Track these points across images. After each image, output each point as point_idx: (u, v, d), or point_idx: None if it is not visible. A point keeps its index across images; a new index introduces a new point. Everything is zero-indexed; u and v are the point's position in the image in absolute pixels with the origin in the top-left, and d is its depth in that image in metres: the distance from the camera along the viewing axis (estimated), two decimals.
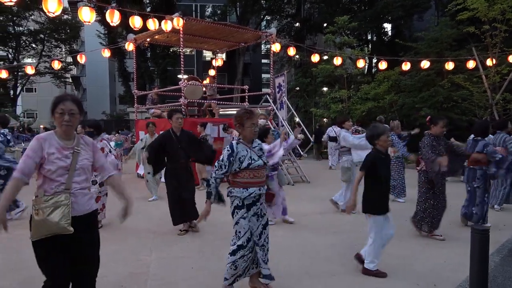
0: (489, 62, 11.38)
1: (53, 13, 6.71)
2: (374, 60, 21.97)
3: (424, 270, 3.85)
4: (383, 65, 12.49)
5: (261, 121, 8.60)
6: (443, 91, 13.79)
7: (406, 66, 12.50)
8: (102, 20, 19.46)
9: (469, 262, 2.77)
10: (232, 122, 3.49)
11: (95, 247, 2.56)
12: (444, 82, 13.68)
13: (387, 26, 24.01)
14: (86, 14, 7.27)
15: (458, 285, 3.53)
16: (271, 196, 3.59)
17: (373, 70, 21.77)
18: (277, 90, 12.96)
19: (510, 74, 11.14)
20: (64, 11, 25.24)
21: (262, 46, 30.67)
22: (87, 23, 7.46)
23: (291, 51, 11.77)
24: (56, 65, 13.94)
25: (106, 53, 12.47)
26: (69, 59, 29.89)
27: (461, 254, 4.15)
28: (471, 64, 11.67)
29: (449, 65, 11.92)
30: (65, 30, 28.70)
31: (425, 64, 12.19)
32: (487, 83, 11.48)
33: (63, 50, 31.03)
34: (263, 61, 33.75)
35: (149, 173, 7.29)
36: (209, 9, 29.18)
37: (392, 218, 3.81)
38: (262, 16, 27.39)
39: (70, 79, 37.16)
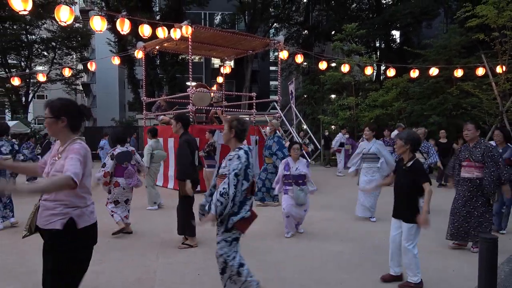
0: (498, 69, 11.26)
1: (65, 22, 6.85)
2: (383, 67, 21.91)
3: (432, 280, 3.81)
4: (391, 72, 12.45)
5: (268, 129, 8.60)
6: (452, 98, 13.68)
7: (414, 73, 12.44)
8: (112, 28, 19.75)
9: (477, 271, 2.74)
10: None
11: (47, 268, 2.31)
12: (453, 90, 13.57)
13: (396, 33, 24.00)
14: (98, 23, 7.40)
15: None
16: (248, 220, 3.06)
17: (381, 77, 21.72)
18: (290, 97, 13.03)
19: None
20: (76, 19, 25.70)
21: (270, 53, 30.82)
22: (98, 31, 7.59)
23: (299, 59, 11.79)
24: (67, 72, 14.15)
25: (116, 61, 12.64)
26: (80, 67, 30.34)
27: (470, 263, 4.09)
28: (480, 71, 11.56)
29: (458, 72, 11.83)
30: (76, 38, 29.17)
31: (433, 71, 12.11)
32: (497, 90, 11.36)
33: (74, 57, 31.53)
34: (271, 68, 33.88)
35: (146, 186, 7.35)
36: (218, 17, 29.46)
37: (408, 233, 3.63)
38: (270, 24, 27.53)
39: (81, 86, 37.69)
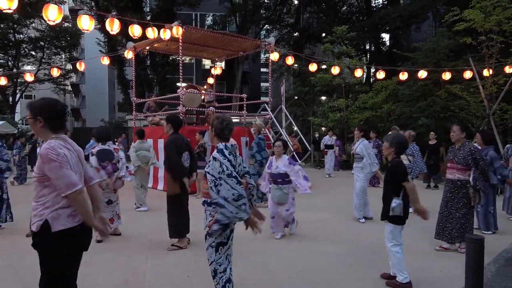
0: (485, 73, 11.44)
1: (54, 21, 6.76)
2: (372, 70, 22.00)
3: (420, 280, 3.84)
4: (381, 74, 12.57)
5: (252, 130, 8.59)
6: (440, 101, 13.85)
7: (403, 76, 12.58)
8: (102, 28, 19.58)
9: (464, 272, 2.77)
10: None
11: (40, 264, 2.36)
12: (441, 92, 13.75)
13: (385, 36, 24.20)
14: (85, 23, 7.31)
15: None
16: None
17: (371, 80, 21.87)
18: (281, 98, 13.10)
19: (506, 84, 11.20)
20: (65, 19, 25.39)
21: (261, 55, 30.86)
22: (86, 31, 7.51)
23: (290, 60, 11.83)
24: (56, 72, 13.95)
25: (106, 61, 12.52)
26: (69, 67, 29.97)
27: (458, 263, 4.14)
28: (468, 75, 11.75)
29: (446, 75, 12.01)
30: (66, 37, 28.81)
31: (422, 74, 12.28)
32: (484, 93, 11.53)
33: (63, 57, 31.14)
34: (262, 70, 33.90)
35: (134, 187, 7.33)
36: (209, 18, 29.39)
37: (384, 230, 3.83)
38: (261, 26, 27.58)
39: (70, 86, 37.22)
